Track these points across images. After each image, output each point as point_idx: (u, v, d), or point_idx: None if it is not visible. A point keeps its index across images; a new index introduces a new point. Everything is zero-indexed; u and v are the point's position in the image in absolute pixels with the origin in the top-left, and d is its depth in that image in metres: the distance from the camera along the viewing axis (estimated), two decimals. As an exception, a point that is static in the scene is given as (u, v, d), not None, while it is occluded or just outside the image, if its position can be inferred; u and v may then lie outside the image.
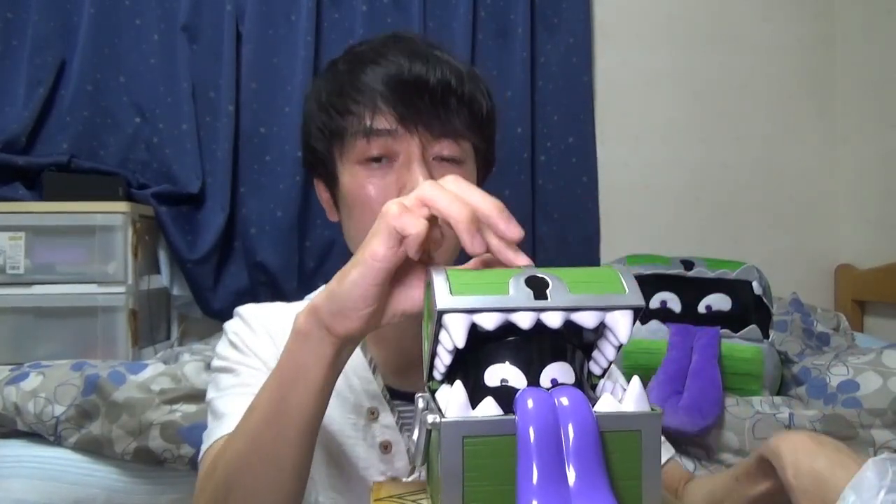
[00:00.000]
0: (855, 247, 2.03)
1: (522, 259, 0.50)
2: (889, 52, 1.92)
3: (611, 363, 0.49)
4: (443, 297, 0.44)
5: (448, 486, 0.41)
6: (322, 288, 0.61)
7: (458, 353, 0.46)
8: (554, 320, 0.44)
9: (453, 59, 0.79)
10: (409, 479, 0.69)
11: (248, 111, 1.83)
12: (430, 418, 0.43)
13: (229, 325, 0.85)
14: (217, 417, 0.76)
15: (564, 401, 0.42)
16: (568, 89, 1.97)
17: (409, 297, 0.56)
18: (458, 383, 0.44)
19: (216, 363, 0.82)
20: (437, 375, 0.49)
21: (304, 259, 1.85)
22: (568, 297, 0.44)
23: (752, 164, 2.07)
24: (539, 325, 0.44)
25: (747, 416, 1.15)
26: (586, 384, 0.49)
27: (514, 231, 0.50)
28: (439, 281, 0.45)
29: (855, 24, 2.04)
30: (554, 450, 0.40)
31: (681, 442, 1.15)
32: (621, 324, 0.45)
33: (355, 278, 0.53)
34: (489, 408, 0.42)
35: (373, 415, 0.79)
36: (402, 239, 0.51)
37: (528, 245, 1.94)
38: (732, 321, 1.27)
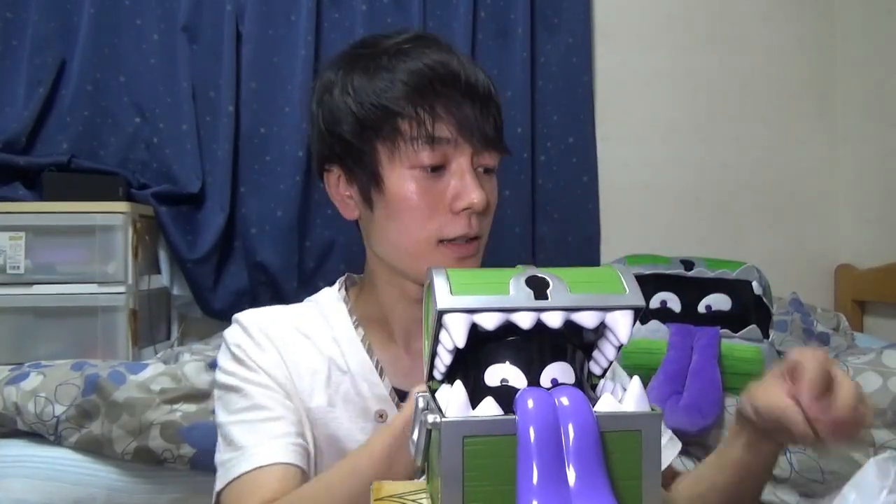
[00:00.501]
0: (855, 247, 2.03)
1: None
2: (889, 52, 1.92)
3: (611, 363, 0.49)
4: (443, 296, 0.44)
5: (448, 486, 0.41)
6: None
7: (458, 353, 0.46)
8: (554, 320, 0.44)
9: (480, 66, 0.79)
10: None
11: (248, 111, 1.83)
12: (431, 418, 0.43)
13: (230, 336, 0.81)
14: (235, 448, 0.74)
15: (564, 401, 0.42)
16: (568, 89, 1.97)
17: None
18: (459, 383, 0.44)
19: (222, 378, 0.80)
20: (438, 375, 0.49)
21: (304, 259, 1.85)
22: (568, 297, 0.44)
23: (752, 164, 2.07)
24: (539, 325, 0.44)
25: (747, 416, 1.15)
26: (586, 384, 0.49)
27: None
28: (439, 281, 0.45)
29: (855, 24, 2.04)
30: (554, 450, 0.40)
31: (681, 442, 1.14)
32: (621, 324, 0.45)
33: None
34: (489, 408, 0.42)
35: (381, 417, 0.79)
36: None
37: (528, 245, 1.94)
38: (732, 321, 1.27)
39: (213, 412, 0.88)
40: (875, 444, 1.10)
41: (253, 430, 0.73)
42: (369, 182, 0.77)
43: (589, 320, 0.45)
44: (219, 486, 0.74)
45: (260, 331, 0.80)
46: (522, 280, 0.45)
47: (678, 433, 1.12)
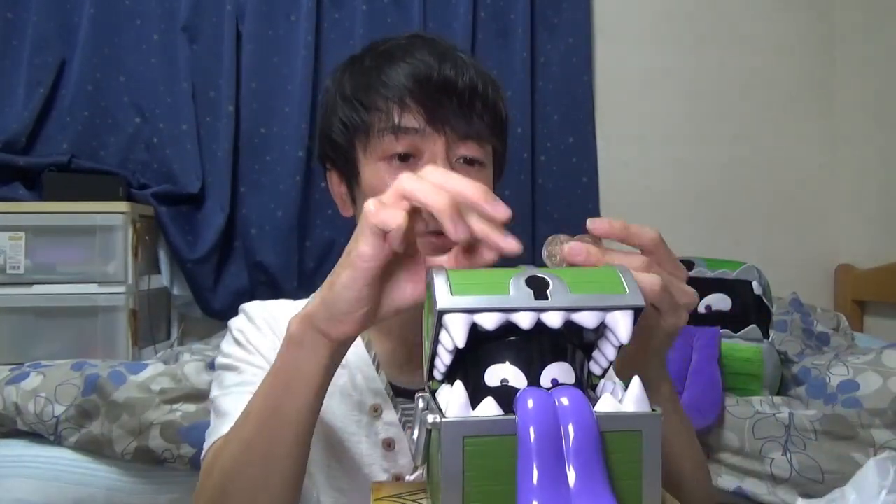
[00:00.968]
0: (855, 247, 2.03)
1: (511, 242, 0.49)
2: (889, 52, 1.92)
3: (611, 363, 0.49)
4: (443, 296, 0.44)
5: (448, 486, 0.41)
6: (314, 295, 0.61)
7: (458, 353, 0.46)
8: (554, 320, 0.44)
9: (478, 64, 0.79)
10: (412, 477, 0.69)
11: (248, 111, 1.83)
12: (431, 418, 0.43)
13: (234, 323, 0.84)
14: (219, 416, 0.75)
15: (565, 401, 0.42)
16: (568, 89, 1.97)
17: (401, 292, 0.56)
18: (459, 383, 0.44)
19: (220, 360, 0.82)
20: (438, 375, 0.49)
21: (304, 259, 1.86)
22: (568, 297, 0.44)
23: (751, 164, 2.08)
24: (539, 325, 0.44)
25: (747, 416, 1.15)
26: (586, 384, 0.49)
27: (501, 211, 0.49)
28: (439, 281, 0.45)
29: (855, 24, 2.04)
30: (554, 450, 0.40)
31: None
32: (622, 324, 0.45)
33: (346, 281, 0.53)
34: (489, 408, 0.42)
35: (376, 412, 0.79)
36: (385, 235, 0.51)
37: (528, 245, 1.94)
38: (732, 321, 1.27)
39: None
40: (875, 444, 1.10)
41: (241, 400, 0.72)
42: (350, 178, 0.80)
43: (589, 320, 0.45)
44: (203, 452, 0.75)
45: (263, 319, 0.82)
46: (522, 280, 0.45)
47: (678, 433, 1.13)
